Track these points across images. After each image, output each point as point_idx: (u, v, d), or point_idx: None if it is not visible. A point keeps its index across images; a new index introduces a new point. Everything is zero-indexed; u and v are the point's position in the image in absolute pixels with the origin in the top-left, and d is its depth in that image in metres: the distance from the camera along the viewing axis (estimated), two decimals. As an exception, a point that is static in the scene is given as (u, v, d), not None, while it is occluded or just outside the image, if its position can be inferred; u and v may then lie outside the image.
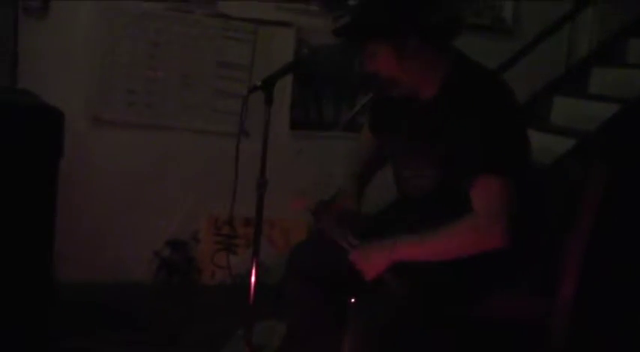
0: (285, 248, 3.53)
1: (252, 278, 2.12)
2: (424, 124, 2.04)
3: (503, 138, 1.93)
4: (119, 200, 3.48)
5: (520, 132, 2.02)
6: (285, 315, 2.40)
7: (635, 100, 3.25)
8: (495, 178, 1.90)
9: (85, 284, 3.24)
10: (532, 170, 2.06)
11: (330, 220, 2.17)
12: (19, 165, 2.47)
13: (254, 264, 2.12)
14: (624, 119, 3.14)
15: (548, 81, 3.90)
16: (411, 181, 2.12)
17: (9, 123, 2.44)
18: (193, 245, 3.63)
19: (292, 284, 2.29)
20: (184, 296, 3.46)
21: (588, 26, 4.02)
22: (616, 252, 2.72)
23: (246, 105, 2.13)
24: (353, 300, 2.25)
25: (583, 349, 2.43)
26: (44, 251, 2.55)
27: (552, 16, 3.79)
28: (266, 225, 3.61)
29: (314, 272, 2.23)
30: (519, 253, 2.01)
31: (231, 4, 3.45)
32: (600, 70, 3.82)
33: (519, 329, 2.12)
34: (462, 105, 1.94)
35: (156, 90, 3.45)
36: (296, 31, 3.56)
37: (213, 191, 3.33)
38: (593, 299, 2.25)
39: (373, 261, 2.02)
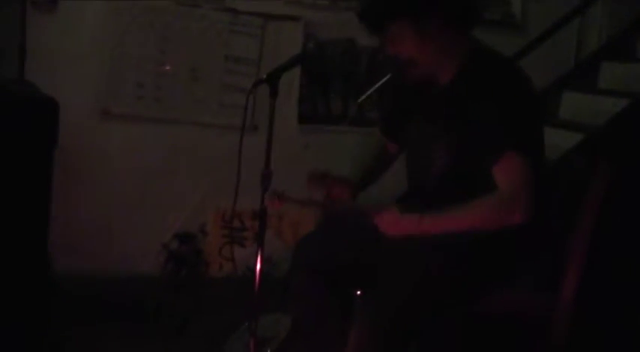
0: (293, 241, 3.53)
1: (257, 270, 2.13)
2: (440, 109, 2.07)
3: (523, 119, 1.97)
4: (127, 193, 3.50)
5: (538, 118, 2.06)
6: (291, 308, 2.40)
7: (642, 95, 3.24)
8: (518, 155, 1.92)
9: (93, 276, 3.26)
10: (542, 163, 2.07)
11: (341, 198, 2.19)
12: (13, 154, 2.47)
13: (258, 256, 2.12)
14: (631, 115, 3.12)
15: (557, 76, 3.88)
16: (422, 169, 2.14)
17: (3, 113, 2.45)
18: (201, 238, 3.64)
19: (298, 276, 2.29)
20: (192, 289, 3.47)
21: (597, 21, 4.00)
22: (619, 249, 2.71)
23: (250, 98, 2.13)
24: (359, 293, 2.26)
25: (584, 345, 2.43)
26: (39, 240, 2.55)
27: (562, 11, 3.77)
28: (274, 218, 3.63)
29: (320, 265, 2.23)
30: (528, 242, 2.03)
31: (239, -2, 3.47)
32: (610, 65, 3.79)
33: (521, 324, 2.13)
34: (480, 89, 1.97)
35: (164, 85, 3.47)
36: (304, 25, 3.56)
37: (221, 184, 3.31)
38: (595, 295, 2.25)
39: (400, 226, 2.00)
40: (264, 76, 2.10)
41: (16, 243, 2.51)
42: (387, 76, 2.49)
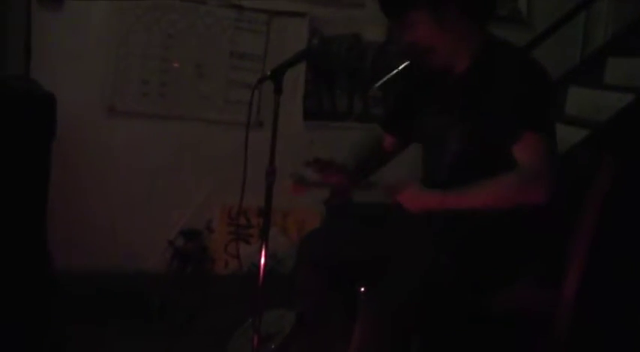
0: (298, 238, 3.54)
1: (261, 266, 2.13)
2: (455, 99, 2.10)
3: (539, 103, 1.98)
4: (133, 189, 3.51)
5: (552, 104, 2.10)
6: (296, 304, 2.41)
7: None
8: (539, 135, 1.94)
9: (99, 272, 3.27)
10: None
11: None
12: (11, 149, 2.48)
13: (263, 252, 2.12)
14: (636, 110, 3.11)
15: (563, 71, 3.87)
16: (436, 159, 2.16)
17: (1, 108, 2.46)
18: (207, 234, 3.65)
19: (303, 272, 2.30)
20: (198, 286, 3.49)
21: (603, 16, 3.99)
22: (622, 245, 2.70)
23: (255, 95, 2.13)
24: (363, 289, 2.26)
25: (586, 342, 2.42)
26: (37, 235, 2.56)
27: (567, 7, 3.76)
28: (279, 214, 3.63)
29: (324, 261, 2.24)
30: (533, 237, 2.04)
31: (245, -5, 3.47)
32: (616, 60, 3.78)
33: (524, 320, 2.12)
34: (495, 78, 1.99)
35: (170, 81, 3.47)
36: (309, 21, 3.56)
37: (227, 181, 3.32)
38: (598, 291, 2.25)
39: (422, 201, 2.01)
40: (269, 72, 2.11)
41: (13, 237, 2.52)
42: (405, 63, 2.49)
